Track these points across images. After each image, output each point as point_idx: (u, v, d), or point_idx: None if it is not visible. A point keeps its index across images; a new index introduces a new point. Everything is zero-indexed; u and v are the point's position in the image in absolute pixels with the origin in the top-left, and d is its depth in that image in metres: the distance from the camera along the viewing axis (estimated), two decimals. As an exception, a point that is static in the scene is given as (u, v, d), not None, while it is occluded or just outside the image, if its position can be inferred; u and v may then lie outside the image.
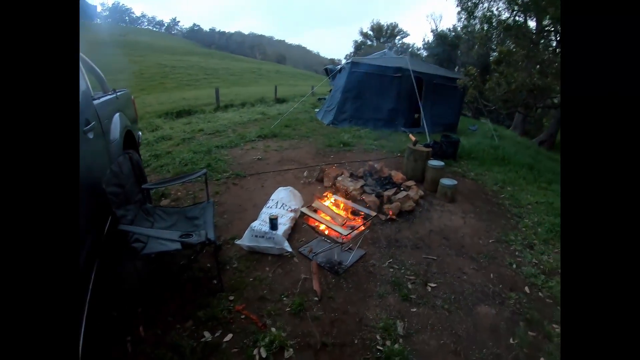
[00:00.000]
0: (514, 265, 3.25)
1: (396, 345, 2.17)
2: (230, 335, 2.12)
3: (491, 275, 3.06)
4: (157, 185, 2.90)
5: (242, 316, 2.27)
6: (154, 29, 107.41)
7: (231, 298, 2.42)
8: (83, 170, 1.84)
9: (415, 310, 2.51)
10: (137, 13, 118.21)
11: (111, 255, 2.17)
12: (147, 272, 2.57)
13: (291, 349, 2.07)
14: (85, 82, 2.42)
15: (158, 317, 2.21)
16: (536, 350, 2.29)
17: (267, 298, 2.47)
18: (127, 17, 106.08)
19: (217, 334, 2.13)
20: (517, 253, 3.48)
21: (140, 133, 4.17)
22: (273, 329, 2.19)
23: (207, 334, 2.11)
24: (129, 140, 3.19)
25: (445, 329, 2.38)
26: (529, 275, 3.11)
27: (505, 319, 2.54)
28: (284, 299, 2.48)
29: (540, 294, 2.89)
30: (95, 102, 2.50)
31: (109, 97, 2.96)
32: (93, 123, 2.19)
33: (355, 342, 2.19)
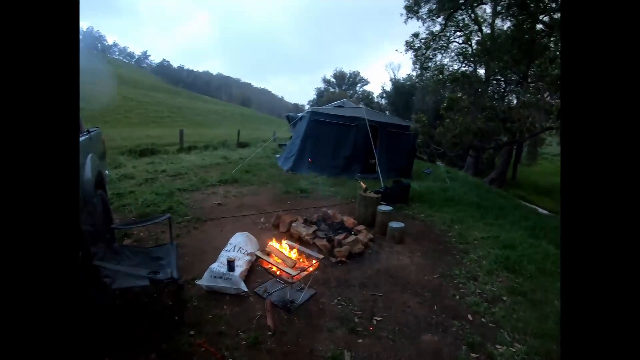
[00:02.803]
0: (457, 297, 3.55)
1: (344, 374, 2.40)
2: (191, 368, 2.29)
3: (435, 307, 3.34)
4: (125, 227, 3.09)
5: (202, 349, 2.45)
6: (125, 60, 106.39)
7: (192, 333, 2.59)
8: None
9: (361, 341, 2.77)
10: (110, 42, 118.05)
11: (81, 290, 2.32)
12: (113, 307, 2.70)
13: (247, 379, 2.27)
14: None
15: (124, 349, 2.35)
16: None
17: (225, 333, 2.66)
18: (99, 44, 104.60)
19: (178, 366, 2.28)
20: (460, 285, 3.79)
21: (107, 172, 4.31)
22: (230, 361, 2.38)
23: (169, 366, 2.26)
24: (99, 179, 3.36)
25: (389, 356, 2.64)
26: (472, 304, 3.39)
27: (448, 345, 2.81)
28: (241, 334, 2.68)
29: (483, 319, 3.18)
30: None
31: (83, 137, 3.15)
32: None
33: (306, 372, 2.42)
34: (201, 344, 2.49)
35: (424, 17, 18.05)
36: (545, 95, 8.67)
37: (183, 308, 2.78)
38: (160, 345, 2.40)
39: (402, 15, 18.44)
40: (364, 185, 5.80)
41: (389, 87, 42.78)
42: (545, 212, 11.63)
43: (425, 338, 2.89)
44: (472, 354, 2.72)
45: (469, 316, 3.24)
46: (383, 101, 43.17)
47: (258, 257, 3.39)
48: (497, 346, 2.82)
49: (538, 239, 5.59)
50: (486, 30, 17.46)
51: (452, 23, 18.20)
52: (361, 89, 60.40)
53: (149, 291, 2.85)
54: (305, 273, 3.21)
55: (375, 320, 3.07)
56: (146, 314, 2.71)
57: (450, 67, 17.78)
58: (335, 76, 61.17)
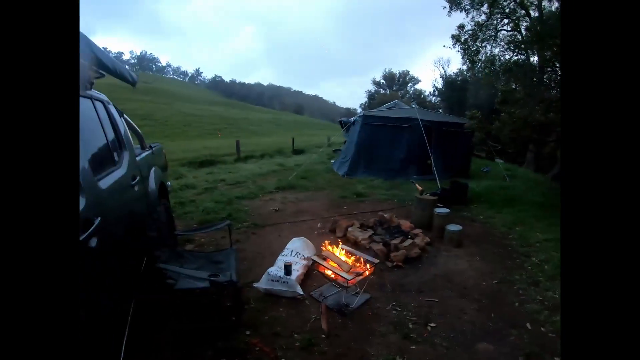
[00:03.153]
0: (517, 304, 3.37)
1: (396, 379, 2.38)
2: (245, 365, 2.40)
3: (492, 314, 3.20)
4: (187, 233, 3.32)
5: (257, 348, 2.56)
6: (179, 78, 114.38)
7: (248, 333, 2.72)
8: (129, 216, 2.28)
9: (414, 347, 2.72)
10: (163, 62, 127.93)
11: (147, 290, 2.53)
12: (176, 307, 2.91)
13: (300, 379, 2.33)
14: (131, 142, 2.94)
15: (183, 345, 2.52)
16: None
17: (280, 334, 2.76)
18: (153, 66, 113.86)
19: (233, 363, 2.40)
20: (520, 291, 3.61)
21: (169, 183, 4.67)
22: (284, 360, 2.46)
23: (224, 361, 2.39)
24: (162, 189, 3.67)
25: (443, 364, 2.57)
26: (532, 312, 3.22)
27: (504, 354, 2.67)
28: (295, 335, 2.76)
29: (542, 329, 3.00)
30: (138, 158, 3.00)
31: (147, 153, 3.47)
32: (138, 178, 2.66)
33: (358, 375, 2.42)
34: (256, 343, 2.60)
35: (467, 7, 17.20)
36: None
37: (241, 309, 2.91)
38: (216, 343, 2.54)
39: (444, 8, 17.82)
40: (419, 188, 5.68)
41: (439, 83, 41.53)
42: None
43: (481, 347, 2.77)
44: None
45: (528, 325, 3.06)
46: (434, 99, 41.90)
47: (314, 262, 3.47)
48: (556, 358, 2.64)
49: None
50: (534, 13, 16.10)
51: (498, 10, 16.94)
52: (412, 88, 59.26)
53: (209, 293, 3.03)
54: (360, 277, 3.23)
55: (430, 326, 3.00)
56: (205, 314, 2.87)
57: (502, 58, 16.72)
58: (384, 77, 60.52)
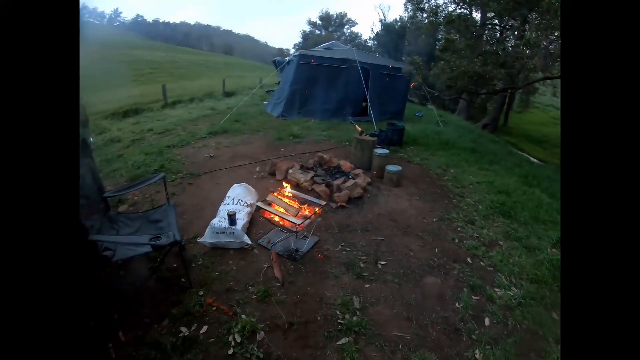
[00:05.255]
0: (457, 240, 3.64)
1: (354, 318, 2.47)
2: (205, 327, 2.31)
3: (436, 250, 3.43)
4: (118, 193, 2.98)
5: (214, 308, 2.47)
6: (96, 21, 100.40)
7: (201, 293, 2.60)
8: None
9: (368, 286, 2.83)
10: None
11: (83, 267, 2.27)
12: (117, 278, 2.68)
13: (262, 332, 2.30)
14: None
15: (135, 320, 2.34)
16: (480, 312, 2.66)
17: (234, 289, 2.68)
18: None
19: (193, 328, 2.30)
20: (459, 229, 3.89)
21: (92, 139, 4.13)
22: (243, 316, 2.40)
23: (184, 329, 2.28)
24: (83, 147, 3.21)
25: (396, 299, 2.72)
26: (471, 247, 3.50)
27: (450, 287, 2.92)
28: (250, 288, 2.70)
29: (481, 263, 3.30)
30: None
31: None
32: None
33: (318, 318, 2.47)
34: (211, 303, 2.50)
35: None
36: (548, 39, 8.25)
37: (188, 269, 2.76)
38: (171, 310, 2.41)
39: None
40: (359, 129, 5.68)
41: (378, 28, 41.01)
42: (536, 161, 11.65)
43: (429, 281, 2.97)
44: (473, 297, 2.82)
45: (469, 259, 3.33)
46: (371, 43, 41.53)
47: (259, 208, 3.33)
48: (496, 289, 2.92)
49: (531, 186, 5.69)
50: None
51: None
52: (348, 31, 57.63)
53: (151, 257, 2.83)
54: (309, 221, 3.18)
55: (380, 264, 3.12)
56: (152, 280, 2.68)
57: (445, 10, 16.98)
58: (321, 18, 57.93)
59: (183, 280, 2.71)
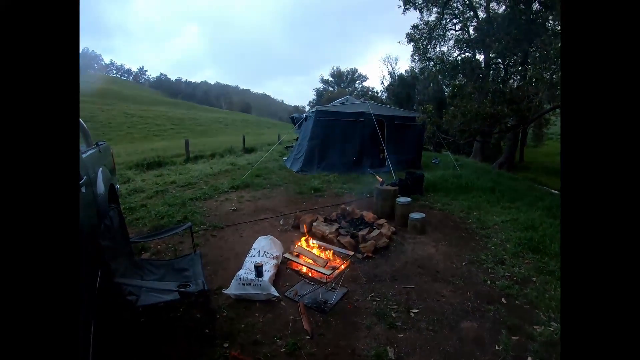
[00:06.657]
0: (488, 281, 3.50)
1: (390, 370, 2.29)
2: (230, 381, 2.17)
3: (468, 293, 3.28)
4: (145, 239, 2.99)
5: (239, 360, 2.33)
6: (122, 77, 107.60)
7: (226, 345, 2.47)
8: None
9: (402, 335, 2.66)
10: (106, 61, 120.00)
11: (107, 310, 2.21)
12: (139, 326, 2.59)
13: (291, 387, 2.15)
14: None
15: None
16: (522, 351, 2.49)
17: (261, 342, 2.54)
18: (96, 65, 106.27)
19: (217, 381, 2.16)
20: (489, 270, 3.76)
21: (118, 186, 4.23)
22: (271, 370, 2.26)
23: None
24: (111, 192, 3.27)
25: (433, 348, 2.54)
26: (504, 287, 3.37)
27: (487, 330, 2.75)
28: (277, 340, 2.56)
29: (517, 301, 3.15)
30: (83, 155, 2.61)
31: (93, 150, 3.06)
32: (84, 178, 2.30)
33: (351, 371, 2.29)
34: (237, 355, 2.36)
35: (421, 4, 18.22)
36: (550, 70, 8.47)
37: (213, 319, 2.66)
38: (194, 361, 2.28)
39: (399, 7, 18.64)
40: (380, 179, 5.70)
41: (388, 80, 42.69)
42: (557, 192, 11.43)
43: (465, 325, 2.81)
44: (512, 337, 2.66)
45: (503, 299, 3.20)
46: (383, 95, 42.98)
47: (286, 260, 3.28)
48: (535, 327, 2.78)
49: (556, 218, 5.54)
50: (482, 14, 17.51)
51: (448, 11, 18.25)
52: (360, 85, 60.15)
53: (175, 306, 2.74)
54: (338, 271, 3.09)
55: (412, 312, 2.97)
56: (175, 330, 2.59)
57: (450, 56, 17.84)
58: (333, 75, 61.01)
59: (207, 331, 2.59)
